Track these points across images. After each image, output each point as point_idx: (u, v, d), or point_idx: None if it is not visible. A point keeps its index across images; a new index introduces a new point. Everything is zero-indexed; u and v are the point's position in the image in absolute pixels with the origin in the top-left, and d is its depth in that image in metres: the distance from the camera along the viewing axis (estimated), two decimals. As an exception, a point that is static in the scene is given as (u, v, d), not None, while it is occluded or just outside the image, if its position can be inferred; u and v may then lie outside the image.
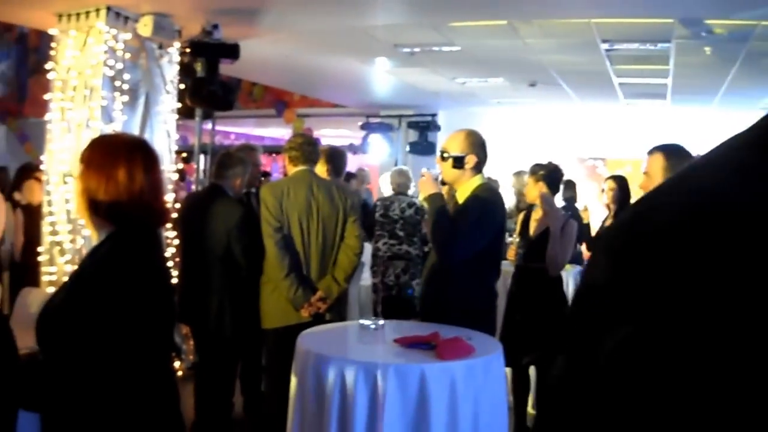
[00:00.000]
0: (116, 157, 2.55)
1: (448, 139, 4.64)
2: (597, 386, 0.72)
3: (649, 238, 0.73)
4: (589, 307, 0.77)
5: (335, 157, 6.28)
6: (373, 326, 4.25)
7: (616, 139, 14.71)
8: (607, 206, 8.00)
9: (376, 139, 14.03)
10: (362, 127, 14.12)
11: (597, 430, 0.72)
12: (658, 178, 3.77)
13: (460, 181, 4.57)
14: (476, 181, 4.56)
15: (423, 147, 13.76)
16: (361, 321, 4.36)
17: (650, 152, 3.89)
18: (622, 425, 0.70)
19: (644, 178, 3.88)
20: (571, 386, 0.76)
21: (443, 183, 4.67)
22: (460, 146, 4.54)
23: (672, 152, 3.83)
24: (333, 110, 14.53)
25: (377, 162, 14.09)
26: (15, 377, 2.23)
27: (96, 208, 2.53)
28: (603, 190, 7.99)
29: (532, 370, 6.16)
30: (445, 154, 4.57)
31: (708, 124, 12.91)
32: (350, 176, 10.55)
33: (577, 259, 8.50)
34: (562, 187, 9.04)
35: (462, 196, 4.55)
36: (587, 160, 15.21)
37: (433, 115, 13.89)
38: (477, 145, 4.58)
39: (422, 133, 13.88)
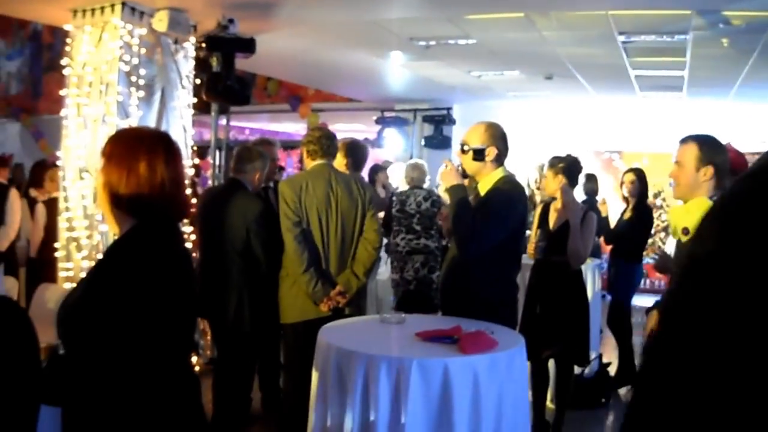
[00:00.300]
0: (137, 149, 2.54)
1: (468, 132, 4.60)
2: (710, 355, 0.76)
3: (733, 217, 0.81)
4: (697, 280, 0.83)
5: (355, 150, 6.24)
6: (394, 320, 4.23)
7: (632, 132, 14.63)
8: (626, 199, 7.97)
9: (391, 134, 13.97)
10: (377, 122, 14.06)
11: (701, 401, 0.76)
12: (690, 168, 3.73)
13: (482, 174, 4.54)
14: (498, 173, 4.53)
15: (438, 141, 13.71)
16: (383, 315, 4.35)
17: (683, 141, 3.83)
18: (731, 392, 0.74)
19: (675, 167, 3.83)
20: (680, 358, 0.81)
21: (465, 175, 4.63)
22: (480, 138, 4.51)
23: (705, 142, 3.78)
24: (348, 105, 14.50)
25: (392, 156, 14.04)
26: (37, 371, 2.22)
27: (117, 202, 2.52)
28: (622, 183, 7.96)
29: (551, 364, 6.13)
30: (466, 147, 4.53)
31: (724, 117, 12.84)
32: (378, 169, 10.49)
33: (596, 252, 8.47)
34: (583, 180, 9.07)
35: (484, 188, 4.52)
36: (603, 153, 15.12)
37: (449, 108, 13.83)
38: (497, 137, 4.54)
39: (437, 126, 13.82)
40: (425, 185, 8.16)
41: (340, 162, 5.93)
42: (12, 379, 2.09)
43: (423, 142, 13.91)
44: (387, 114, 14.11)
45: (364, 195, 5.43)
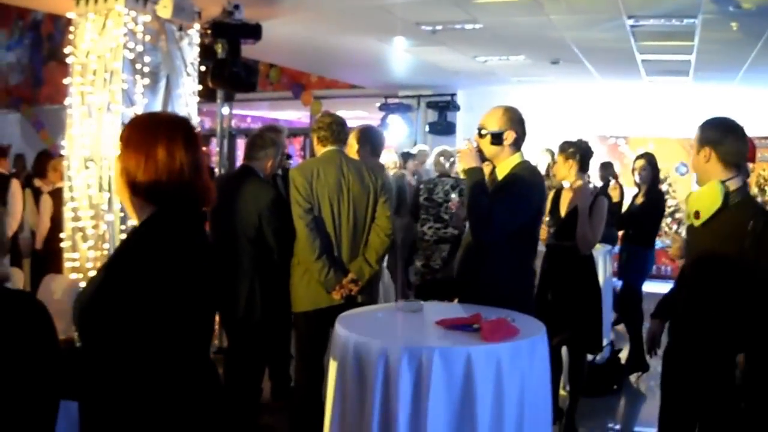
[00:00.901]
0: (155, 135, 2.48)
1: (485, 116, 4.52)
2: None
3: None
4: None
5: (373, 135, 6.15)
6: (412, 309, 4.16)
7: (638, 117, 14.57)
8: (637, 185, 7.92)
9: (395, 120, 13.90)
10: (380, 108, 14.00)
11: None
12: (695, 152, 3.69)
13: (499, 158, 4.47)
14: (516, 158, 4.46)
15: (442, 127, 13.65)
16: (402, 303, 4.28)
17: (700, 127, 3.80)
18: None
19: (692, 152, 3.79)
20: None
21: (484, 159, 4.54)
22: (498, 122, 4.43)
23: (705, 124, 3.74)
24: (351, 91, 14.45)
25: (396, 143, 13.98)
26: (56, 367, 2.16)
27: (136, 189, 2.46)
28: (634, 170, 7.91)
29: (564, 351, 6.08)
30: (483, 131, 4.46)
31: (729, 102, 12.77)
32: (408, 156, 10.38)
33: (609, 237, 8.37)
34: (599, 168, 9.04)
35: (501, 173, 4.45)
36: (609, 139, 15.03)
37: (453, 94, 13.77)
38: (515, 121, 4.47)
39: (441, 113, 13.76)
40: (453, 173, 8.05)
41: (353, 148, 5.85)
42: (32, 375, 2.03)
43: (427, 129, 13.86)
44: (390, 100, 14.06)
45: (375, 181, 5.35)
